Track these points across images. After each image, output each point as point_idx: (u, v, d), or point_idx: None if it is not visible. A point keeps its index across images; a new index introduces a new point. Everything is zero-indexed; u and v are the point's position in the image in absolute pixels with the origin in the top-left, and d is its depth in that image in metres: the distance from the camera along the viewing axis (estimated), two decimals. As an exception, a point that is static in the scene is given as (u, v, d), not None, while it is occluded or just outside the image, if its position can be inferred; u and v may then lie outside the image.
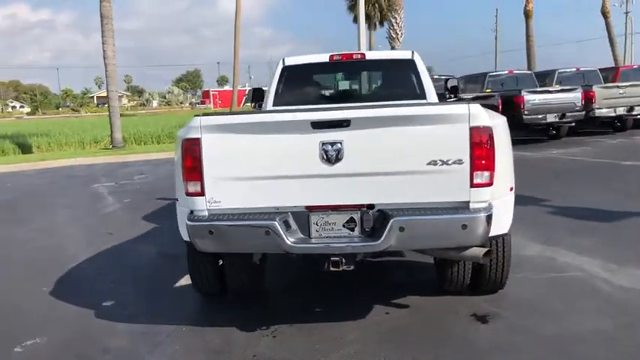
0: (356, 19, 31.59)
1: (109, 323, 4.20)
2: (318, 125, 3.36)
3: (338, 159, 3.38)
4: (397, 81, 6.18)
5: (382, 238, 3.35)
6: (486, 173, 3.38)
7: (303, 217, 3.50)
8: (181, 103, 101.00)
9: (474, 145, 3.33)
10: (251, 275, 4.35)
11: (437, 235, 3.41)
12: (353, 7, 30.77)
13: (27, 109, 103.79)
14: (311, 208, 3.49)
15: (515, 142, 4.13)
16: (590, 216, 6.65)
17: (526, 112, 14.19)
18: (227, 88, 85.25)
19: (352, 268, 3.56)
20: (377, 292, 4.50)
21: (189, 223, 3.51)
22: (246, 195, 3.51)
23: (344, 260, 3.49)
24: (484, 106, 3.52)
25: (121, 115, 19.98)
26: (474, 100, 13.99)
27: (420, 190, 3.41)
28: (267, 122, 3.49)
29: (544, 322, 3.84)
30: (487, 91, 15.62)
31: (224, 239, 3.49)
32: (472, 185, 3.36)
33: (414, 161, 3.36)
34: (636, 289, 4.33)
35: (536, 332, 3.69)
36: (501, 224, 3.78)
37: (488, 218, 3.36)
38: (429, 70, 7.12)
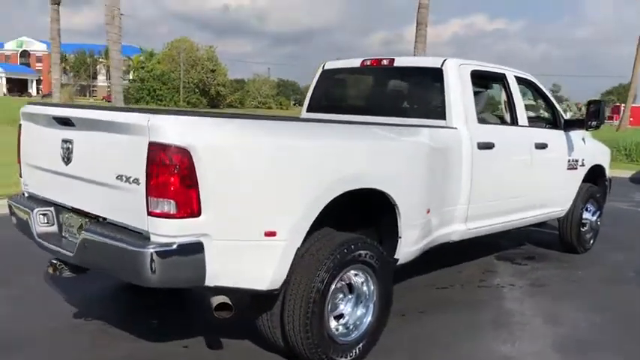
0: None
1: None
2: (59, 122, 3.30)
3: (69, 159, 3.25)
4: (420, 93, 4.94)
5: (74, 252, 3.12)
6: (172, 202, 2.73)
7: (60, 214, 3.49)
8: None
9: (151, 165, 2.73)
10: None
11: (110, 262, 2.97)
12: None
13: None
14: (72, 208, 3.43)
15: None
16: None
17: None
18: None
19: (73, 275, 3.39)
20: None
21: (7, 200, 3.92)
22: (38, 183, 3.70)
23: (62, 265, 3.37)
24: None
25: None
26: None
27: (120, 207, 3.00)
28: (37, 114, 3.57)
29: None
30: None
31: (14, 219, 3.78)
32: (149, 213, 2.77)
33: (109, 173, 2.97)
34: None
35: None
36: (246, 275, 3.00)
37: (163, 255, 2.73)
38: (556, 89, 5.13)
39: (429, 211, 4.00)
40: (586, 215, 6.27)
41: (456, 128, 4.44)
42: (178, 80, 67.63)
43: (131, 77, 72.97)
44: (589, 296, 4.96)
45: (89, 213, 3.23)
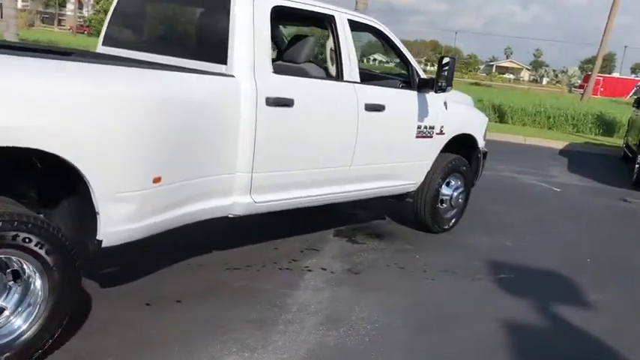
0: None
1: None
2: None
3: None
4: (206, 29, 3.97)
5: None
6: None
7: None
8: (572, 84, 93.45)
9: None
10: None
11: None
12: None
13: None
14: None
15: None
16: None
17: None
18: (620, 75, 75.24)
19: None
20: None
21: None
22: None
23: None
24: None
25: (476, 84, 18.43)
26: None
27: None
28: None
29: None
30: None
31: None
32: None
33: None
34: None
35: None
36: None
37: None
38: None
39: (158, 180, 3.11)
40: (445, 191, 5.47)
41: (233, 76, 3.53)
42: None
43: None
44: (403, 291, 4.18)
45: None
